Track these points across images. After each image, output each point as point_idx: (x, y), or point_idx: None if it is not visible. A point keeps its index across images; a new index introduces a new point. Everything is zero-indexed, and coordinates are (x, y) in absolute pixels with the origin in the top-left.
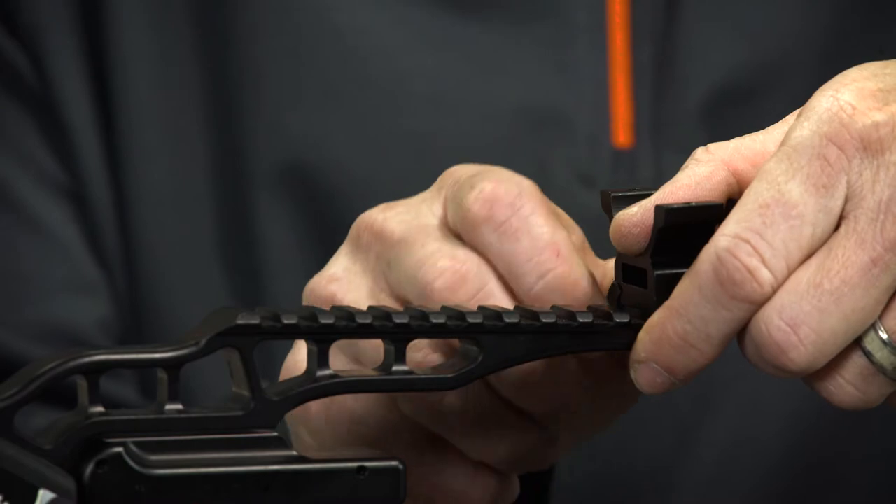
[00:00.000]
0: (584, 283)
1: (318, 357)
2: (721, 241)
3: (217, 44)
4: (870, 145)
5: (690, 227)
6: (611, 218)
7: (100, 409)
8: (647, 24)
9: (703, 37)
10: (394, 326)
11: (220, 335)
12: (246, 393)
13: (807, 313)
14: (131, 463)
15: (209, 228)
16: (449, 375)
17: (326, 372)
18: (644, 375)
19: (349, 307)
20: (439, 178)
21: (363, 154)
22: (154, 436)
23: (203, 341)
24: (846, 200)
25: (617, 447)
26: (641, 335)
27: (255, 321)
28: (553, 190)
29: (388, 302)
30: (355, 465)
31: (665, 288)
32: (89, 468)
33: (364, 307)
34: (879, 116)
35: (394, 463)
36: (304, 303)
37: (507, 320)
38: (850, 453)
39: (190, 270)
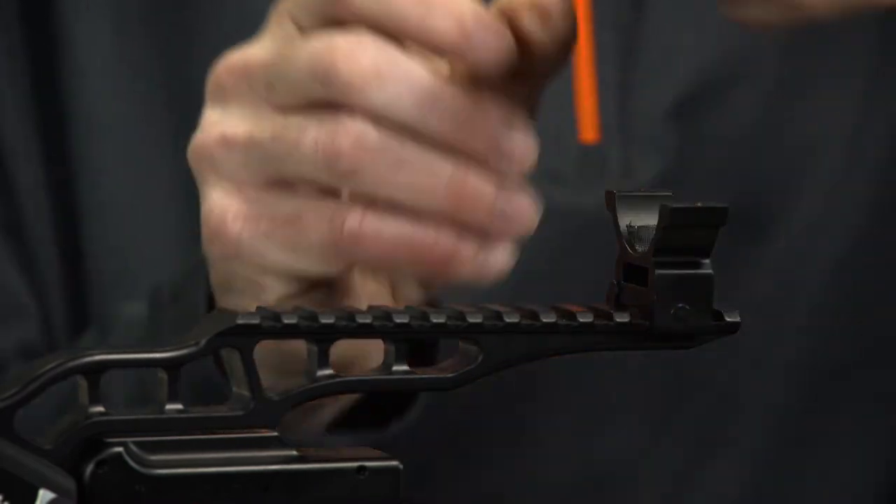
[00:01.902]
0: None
1: (318, 357)
2: None
3: (175, 38)
4: None
5: (694, 228)
6: (615, 218)
7: (100, 408)
8: (611, 18)
9: (669, 31)
10: (394, 326)
11: (221, 335)
12: (246, 393)
13: None
14: (131, 463)
15: (173, 233)
16: (449, 375)
17: (326, 372)
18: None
19: (349, 307)
20: (276, 10)
21: None
22: (154, 436)
23: (203, 341)
24: None
25: (585, 443)
26: None
27: (256, 321)
28: None
29: (289, 114)
30: (355, 465)
31: (666, 288)
32: (89, 468)
33: (273, 127)
34: None
35: (394, 463)
36: (197, 158)
37: (507, 320)
38: (823, 447)
39: (145, 281)
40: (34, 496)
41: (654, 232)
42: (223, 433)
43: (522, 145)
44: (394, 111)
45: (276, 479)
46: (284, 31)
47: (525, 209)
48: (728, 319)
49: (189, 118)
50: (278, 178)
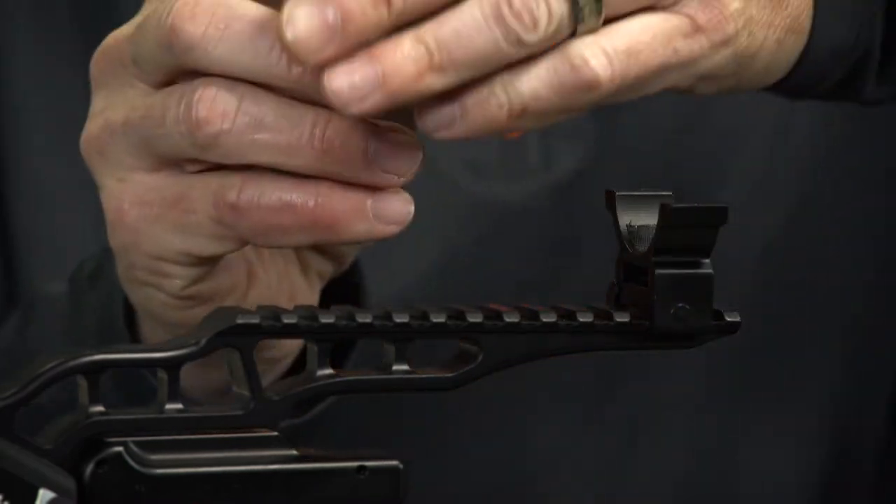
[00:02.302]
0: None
1: (319, 357)
2: None
3: (100, 37)
4: None
5: (694, 228)
6: (615, 218)
7: (100, 408)
8: None
9: None
10: (394, 326)
11: (220, 335)
12: (246, 392)
13: None
14: (131, 462)
15: (100, 215)
16: (449, 375)
17: (326, 371)
18: (302, 17)
19: (350, 307)
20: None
21: None
22: (154, 435)
23: (203, 341)
24: None
25: (516, 433)
26: None
27: (255, 321)
28: (438, 176)
29: (156, 90)
30: (355, 464)
31: (666, 287)
32: (89, 468)
33: (144, 106)
34: None
35: (394, 463)
36: (88, 151)
37: (508, 320)
38: (754, 429)
39: (65, 237)
40: (34, 496)
41: (654, 232)
42: (223, 433)
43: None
44: (238, 67)
45: (275, 478)
46: (150, 5)
47: (404, 149)
48: (728, 319)
49: None
50: (160, 159)
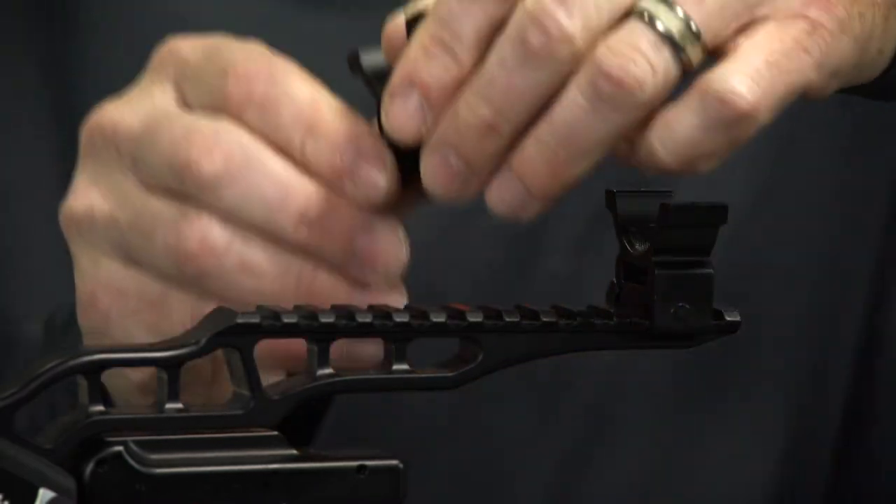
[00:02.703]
0: (352, 127)
1: (318, 356)
2: None
3: (54, 39)
4: None
5: (695, 227)
6: (616, 217)
7: (100, 408)
8: None
9: None
10: (394, 325)
11: (220, 334)
12: (246, 392)
13: None
14: (132, 462)
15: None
16: (449, 375)
17: (326, 371)
18: (395, 106)
19: (349, 307)
20: (155, 58)
21: None
22: (154, 435)
23: (203, 340)
24: None
25: (474, 430)
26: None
27: (255, 320)
28: None
29: (150, 198)
30: (355, 464)
31: (666, 287)
32: (89, 467)
33: (132, 210)
34: None
35: (394, 462)
36: (67, 226)
37: (507, 320)
38: (712, 425)
39: (41, 273)
40: (34, 495)
41: (654, 231)
42: (223, 432)
43: (385, 249)
44: (242, 213)
45: (275, 478)
46: (161, 96)
47: (387, 296)
48: (728, 319)
49: (66, 105)
50: (141, 264)
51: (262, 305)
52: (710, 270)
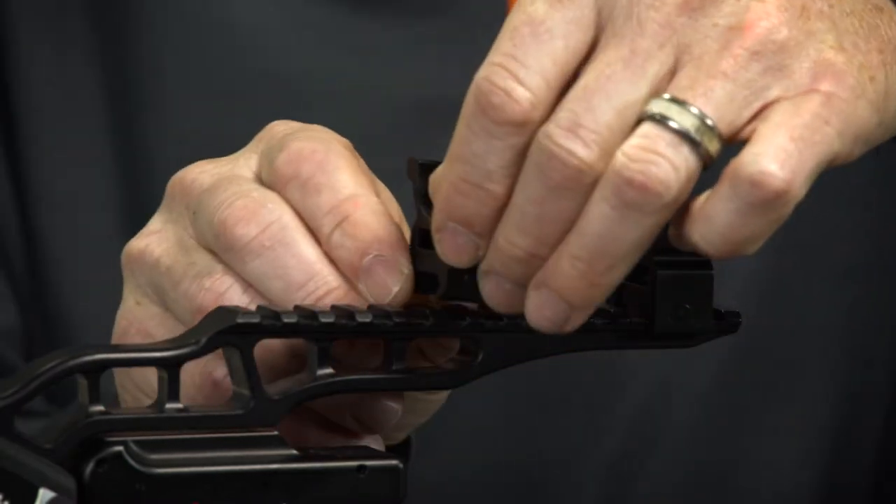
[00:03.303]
0: (381, 230)
1: (318, 356)
2: (479, 71)
3: (114, 42)
4: None
5: None
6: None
7: (100, 407)
8: None
9: None
10: (394, 325)
11: (221, 334)
12: (246, 392)
13: (581, 115)
14: (132, 462)
15: (114, 230)
16: (448, 375)
17: (326, 371)
18: (445, 241)
19: (349, 306)
20: (260, 133)
21: None
22: (154, 434)
23: (203, 340)
24: (598, 11)
25: (524, 434)
26: (434, 199)
27: (256, 320)
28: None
29: (195, 250)
30: (355, 464)
31: (666, 287)
32: (89, 467)
33: (175, 258)
34: None
35: (394, 462)
36: (124, 263)
37: (508, 319)
38: (757, 431)
39: (96, 273)
40: (34, 495)
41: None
42: (223, 432)
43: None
44: (262, 284)
45: (275, 478)
46: (244, 164)
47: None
48: (728, 319)
49: (124, 109)
50: (166, 306)
51: (262, 305)
52: (710, 271)
